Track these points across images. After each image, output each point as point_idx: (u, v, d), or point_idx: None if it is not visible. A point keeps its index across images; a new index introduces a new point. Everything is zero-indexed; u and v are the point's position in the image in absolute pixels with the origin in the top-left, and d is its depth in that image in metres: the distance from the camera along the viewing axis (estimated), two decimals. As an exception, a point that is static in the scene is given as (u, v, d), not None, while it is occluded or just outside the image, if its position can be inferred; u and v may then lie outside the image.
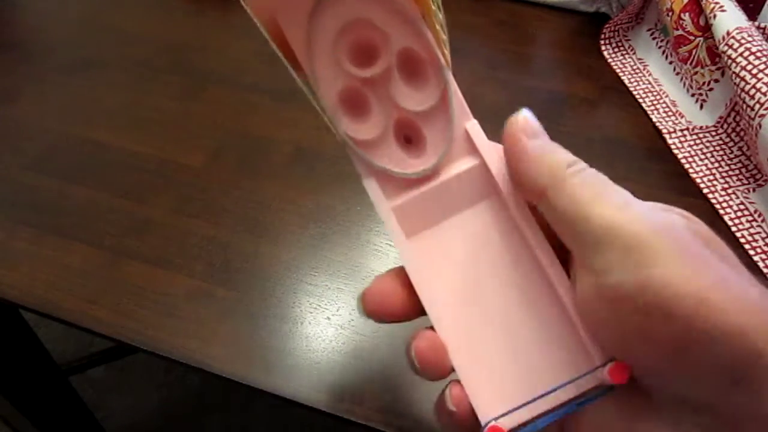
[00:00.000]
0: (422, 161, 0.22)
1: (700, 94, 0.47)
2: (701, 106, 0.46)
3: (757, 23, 0.43)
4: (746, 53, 0.39)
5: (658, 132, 0.46)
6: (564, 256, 0.21)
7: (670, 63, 0.50)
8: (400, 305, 0.22)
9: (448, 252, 0.22)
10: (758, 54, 0.39)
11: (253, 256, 0.38)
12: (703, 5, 0.44)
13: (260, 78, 0.50)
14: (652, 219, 0.18)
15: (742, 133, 0.43)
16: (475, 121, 0.22)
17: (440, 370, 0.21)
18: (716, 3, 0.43)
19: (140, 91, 0.49)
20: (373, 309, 0.22)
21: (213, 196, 0.42)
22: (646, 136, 0.46)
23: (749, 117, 0.39)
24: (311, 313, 0.36)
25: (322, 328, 0.35)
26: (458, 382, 0.22)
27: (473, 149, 0.22)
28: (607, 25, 0.53)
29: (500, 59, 0.52)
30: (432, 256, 0.23)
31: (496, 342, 0.22)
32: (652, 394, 0.19)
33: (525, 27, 0.56)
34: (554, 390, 0.21)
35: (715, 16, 0.42)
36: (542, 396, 0.21)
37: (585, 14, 0.57)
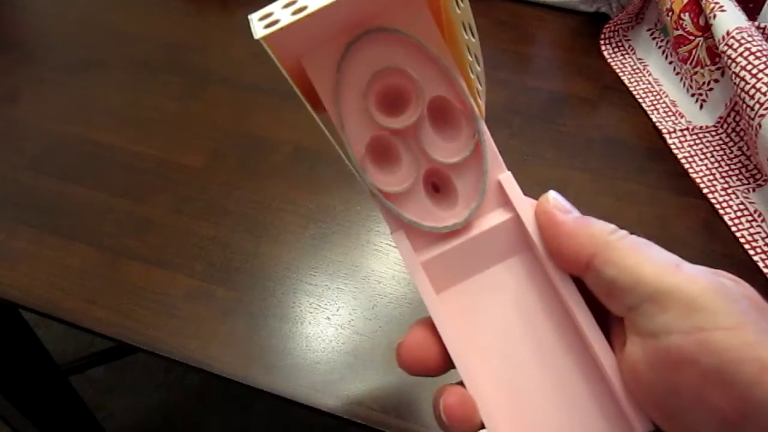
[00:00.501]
0: (453, 214, 0.21)
1: (700, 94, 0.47)
2: (701, 106, 0.46)
3: (757, 23, 0.43)
4: (746, 53, 0.39)
5: (658, 132, 0.46)
6: (604, 325, 0.21)
7: (670, 63, 0.50)
8: (435, 359, 0.22)
9: (479, 308, 0.22)
10: (758, 54, 0.39)
11: (253, 256, 0.38)
12: (703, 5, 0.44)
13: (260, 78, 0.50)
14: (707, 280, 0.18)
15: (742, 133, 0.43)
16: (509, 173, 0.21)
17: (469, 426, 0.21)
18: (716, 3, 0.43)
19: (140, 91, 0.49)
20: (408, 362, 0.22)
21: (213, 196, 0.42)
22: (646, 136, 0.46)
23: (749, 117, 0.39)
24: (311, 313, 0.36)
25: (322, 328, 0.35)
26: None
27: (506, 202, 0.21)
28: (607, 25, 0.53)
29: (500, 59, 0.52)
30: (462, 312, 0.22)
31: (527, 403, 0.21)
32: None
33: (525, 27, 0.56)
34: None
35: (715, 16, 0.42)
36: None
37: (585, 14, 0.57)
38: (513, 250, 0.22)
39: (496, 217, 0.21)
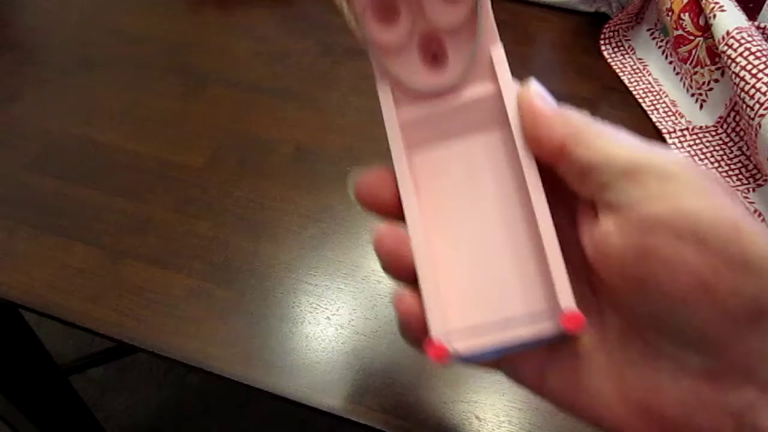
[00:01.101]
0: (439, 78, 0.22)
1: (700, 94, 0.47)
2: (701, 106, 0.46)
3: (757, 23, 0.43)
4: (746, 53, 0.39)
5: (658, 132, 0.46)
6: (568, 212, 0.21)
7: (670, 63, 0.50)
8: (389, 200, 0.22)
9: (441, 171, 0.22)
10: (758, 54, 0.39)
11: (253, 256, 0.38)
12: (703, 5, 0.44)
13: (260, 78, 0.50)
14: (679, 156, 0.18)
15: (741, 133, 0.43)
16: (501, 47, 0.21)
17: (401, 264, 0.21)
18: (716, 3, 0.43)
19: (140, 91, 0.49)
20: (363, 194, 0.22)
21: (213, 196, 0.42)
22: (646, 136, 0.46)
23: (749, 117, 0.39)
24: (311, 313, 0.36)
25: (322, 328, 0.35)
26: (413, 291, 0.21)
27: (493, 77, 0.21)
28: (607, 25, 0.53)
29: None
30: (424, 171, 0.22)
31: (465, 262, 0.21)
32: (650, 340, 0.19)
33: (525, 27, 0.56)
34: (509, 323, 0.20)
35: (714, 16, 0.42)
36: (496, 326, 0.20)
37: (585, 14, 0.57)
38: (489, 125, 0.22)
39: (480, 89, 0.22)
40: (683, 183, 0.17)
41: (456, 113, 0.22)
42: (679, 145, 0.44)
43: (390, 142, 0.22)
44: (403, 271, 0.21)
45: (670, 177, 0.17)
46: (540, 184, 0.20)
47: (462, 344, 0.20)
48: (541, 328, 0.20)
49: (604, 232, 0.19)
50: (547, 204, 0.20)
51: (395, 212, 0.22)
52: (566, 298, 0.19)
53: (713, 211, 0.17)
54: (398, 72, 0.22)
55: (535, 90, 0.21)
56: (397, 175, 0.22)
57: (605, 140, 0.19)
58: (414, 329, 0.21)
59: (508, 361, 0.22)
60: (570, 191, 0.20)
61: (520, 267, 0.21)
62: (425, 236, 0.21)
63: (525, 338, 0.20)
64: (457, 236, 0.22)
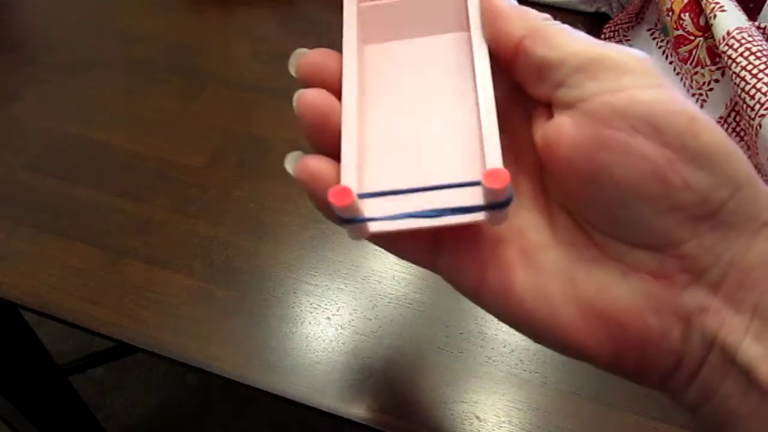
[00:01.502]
0: None
1: (700, 94, 0.47)
2: (701, 106, 0.46)
3: (757, 23, 0.43)
4: (746, 53, 0.39)
5: (658, 132, 0.46)
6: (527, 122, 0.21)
7: (670, 63, 0.50)
8: (332, 78, 0.21)
9: (391, 63, 0.21)
10: (758, 54, 0.39)
11: (253, 256, 0.38)
12: (703, 5, 0.44)
13: (260, 78, 0.50)
14: (634, 50, 0.18)
15: (742, 133, 0.43)
16: None
17: (325, 129, 0.20)
18: (716, 3, 0.43)
19: (140, 91, 0.49)
20: (304, 68, 0.21)
21: (213, 196, 0.42)
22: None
23: (749, 117, 0.39)
24: (311, 313, 0.36)
25: (322, 328, 0.35)
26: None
27: None
28: (607, 25, 0.53)
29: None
30: (374, 65, 0.21)
31: (395, 137, 0.20)
32: (600, 240, 0.19)
33: (525, 27, 0.56)
34: (432, 193, 0.18)
35: (715, 16, 0.42)
36: (418, 193, 0.18)
37: (585, 14, 0.57)
38: (449, 27, 0.21)
39: None
40: (639, 76, 0.17)
41: (416, 11, 0.21)
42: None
43: (344, 29, 0.21)
44: (327, 137, 0.19)
45: (626, 70, 0.17)
46: (489, 77, 0.19)
47: (375, 207, 0.18)
48: (465, 196, 0.18)
49: (558, 125, 0.18)
50: (494, 98, 0.19)
51: (334, 93, 0.20)
52: (493, 160, 0.18)
53: (669, 103, 0.17)
54: None
55: None
56: (344, 54, 0.20)
57: (563, 38, 0.18)
58: (323, 196, 0.18)
59: (447, 260, 0.20)
60: (527, 98, 0.20)
61: (454, 145, 0.19)
62: (358, 107, 0.20)
63: (447, 206, 0.17)
64: (393, 115, 0.20)
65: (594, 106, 0.17)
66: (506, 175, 0.16)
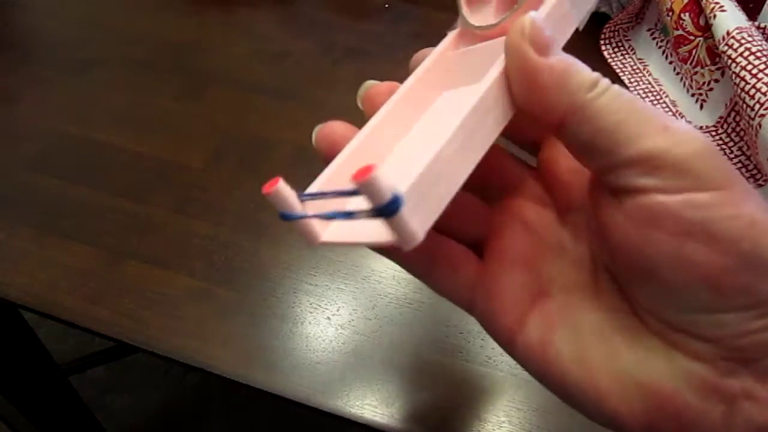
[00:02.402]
0: (481, 17, 0.20)
1: (700, 94, 0.47)
2: (701, 106, 0.46)
3: (757, 23, 0.43)
4: (746, 53, 0.39)
5: (658, 132, 0.46)
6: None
7: (670, 63, 0.50)
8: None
9: (430, 107, 0.21)
10: (758, 54, 0.39)
11: (253, 256, 0.38)
12: (703, 5, 0.44)
13: (260, 78, 0.50)
14: (697, 143, 0.16)
15: (742, 133, 0.43)
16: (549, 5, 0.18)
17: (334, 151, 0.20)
18: (716, 3, 0.43)
19: (140, 91, 0.49)
20: (323, 137, 0.21)
21: (213, 196, 0.42)
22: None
23: (749, 117, 0.39)
24: (311, 313, 0.36)
25: (322, 328, 0.35)
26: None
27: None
28: (607, 25, 0.53)
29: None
30: (417, 105, 0.21)
31: (383, 149, 0.20)
32: (643, 315, 0.18)
33: (525, 27, 0.56)
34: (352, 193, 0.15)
35: (715, 16, 0.42)
36: (345, 193, 0.16)
37: (585, 14, 0.57)
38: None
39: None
40: (698, 176, 0.16)
41: (480, 57, 0.20)
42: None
43: (413, 76, 0.21)
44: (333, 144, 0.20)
45: (685, 169, 0.16)
46: (468, 112, 0.17)
47: (316, 208, 0.18)
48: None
49: (608, 209, 0.17)
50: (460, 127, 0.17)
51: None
52: (386, 167, 0.17)
53: (727, 207, 0.15)
54: (473, 21, 0.20)
55: (532, 31, 0.17)
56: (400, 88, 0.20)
57: (614, 118, 0.16)
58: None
59: (485, 303, 0.20)
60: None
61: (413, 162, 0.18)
62: (375, 127, 0.20)
63: (352, 209, 0.16)
64: (400, 135, 0.20)
65: (646, 202, 0.16)
66: (370, 169, 0.14)
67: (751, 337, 0.16)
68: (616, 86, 0.17)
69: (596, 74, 0.17)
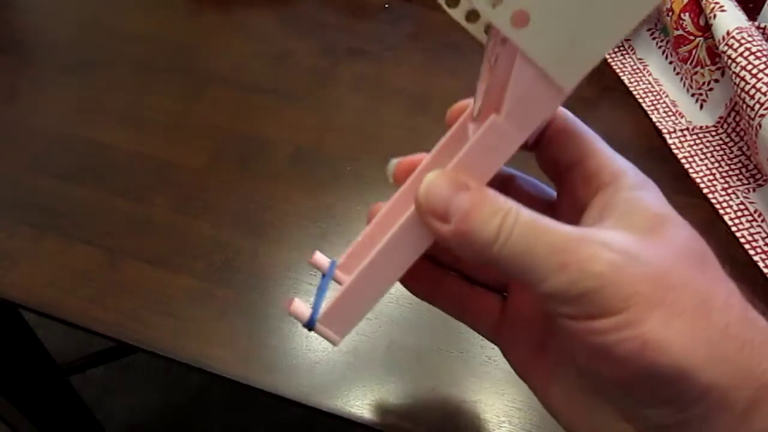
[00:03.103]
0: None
1: (700, 94, 0.47)
2: (701, 106, 0.46)
3: (757, 23, 0.43)
4: (746, 53, 0.39)
5: (658, 132, 0.46)
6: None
7: (670, 63, 0.50)
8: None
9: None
10: (758, 54, 0.39)
11: (253, 256, 0.38)
12: (703, 5, 0.44)
13: (260, 78, 0.50)
14: (593, 275, 0.16)
15: (742, 133, 0.43)
16: (496, 121, 0.19)
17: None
18: (716, 3, 0.43)
19: (140, 91, 0.49)
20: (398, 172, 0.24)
21: (213, 196, 0.42)
22: (646, 136, 0.46)
23: (749, 117, 0.39)
24: (311, 313, 0.36)
25: (322, 328, 0.35)
26: None
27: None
28: (607, 25, 0.53)
29: (500, 59, 0.52)
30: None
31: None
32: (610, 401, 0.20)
33: (525, 27, 0.56)
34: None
35: (715, 16, 0.42)
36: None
37: (585, 14, 0.57)
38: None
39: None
40: (595, 305, 0.17)
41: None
42: (679, 145, 0.44)
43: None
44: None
45: (583, 302, 0.17)
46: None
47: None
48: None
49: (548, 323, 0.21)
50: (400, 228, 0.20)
51: None
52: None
53: (621, 331, 0.16)
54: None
55: (427, 201, 0.19)
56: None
57: (519, 266, 0.17)
58: None
59: (502, 343, 0.24)
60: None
61: None
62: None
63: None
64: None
65: (562, 325, 0.18)
66: (290, 302, 0.23)
67: (674, 428, 0.18)
68: (520, 222, 0.17)
69: (497, 221, 0.18)
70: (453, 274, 0.25)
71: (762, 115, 0.38)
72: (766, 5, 0.45)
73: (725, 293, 0.17)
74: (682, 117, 0.47)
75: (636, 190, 0.19)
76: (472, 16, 0.22)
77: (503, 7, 0.16)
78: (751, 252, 0.38)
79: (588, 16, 0.16)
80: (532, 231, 0.17)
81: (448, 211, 0.18)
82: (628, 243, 0.17)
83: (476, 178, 0.19)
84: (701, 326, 0.16)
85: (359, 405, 0.32)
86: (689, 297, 0.17)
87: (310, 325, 0.23)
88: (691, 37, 0.46)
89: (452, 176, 0.19)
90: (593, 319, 0.17)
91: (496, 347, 0.34)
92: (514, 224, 0.17)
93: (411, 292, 0.25)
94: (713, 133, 0.45)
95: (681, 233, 0.18)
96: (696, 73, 0.46)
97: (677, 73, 0.49)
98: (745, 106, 0.39)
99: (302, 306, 0.23)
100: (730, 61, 0.40)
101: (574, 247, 0.17)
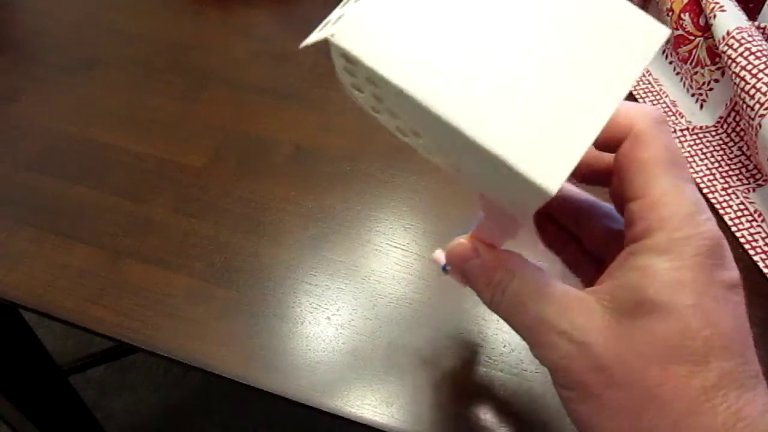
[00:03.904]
0: None
1: (700, 94, 0.47)
2: (701, 106, 0.46)
3: (757, 23, 0.43)
4: (746, 53, 0.39)
5: (658, 132, 0.46)
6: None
7: (670, 63, 0.50)
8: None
9: None
10: (758, 54, 0.39)
11: (253, 256, 0.38)
12: (703, 5, 0.44)
13: (260, 78, 0.50)
14: (569, 356, 0.19)
15: (742, 133, 0.43)
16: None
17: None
18: (716, 3, 0.43)
19: (140, 91, 0.49)
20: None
21: (213, 196, 0.42)
22: (646, 136, 0.46)
23: (749, 117, 0.39)
24: (311, 313, 0.36)
25: (322, 328, 0.35)
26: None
27: None
28: (607, 25, 0.53)
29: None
30: None
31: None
32: None
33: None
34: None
35: (715, 16, 0.42)
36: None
37: (585, 14, 0.57)
38: None
39: None
40: (570, 379, 0.19)
41: None
42: (678, 144, 0.44)
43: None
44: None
45: (561, 375, 0.19)
46: None
47: None
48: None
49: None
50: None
51: None
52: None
53: (586, 402, 0.19)
54: None
55: (440, 259, 0.27)
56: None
57: (515, 326, 0.21)
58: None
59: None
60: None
61: None
62: None
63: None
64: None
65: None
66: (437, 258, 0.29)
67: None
68: (505, 298, 0.21)
69: (490, 292, 0.21)
70: (574, 239, 0.26)
71: (762, 115, 0.38)
72: (766, 5, 0.45)
73: (693, 397, 0.17)
74: (682, 117, 0.47)
75: (654, 257, 0.18)
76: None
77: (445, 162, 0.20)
78: (751, 252, 0.38)
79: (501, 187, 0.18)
80: (513, 308, 0.20)
81: (463, 273, 0.23)
82: (590, 329, 0.18)
83: (490, 243, 0.22)
84: (629, 426, 0.18)
85: (359, 405, 0.32)
86: (627, 397, 0.18)
87: (445, 270, 0.27)
88: (691, 37, 0.46)
89: (465, 245, 0.22)
90: (567, 390, 0.20)
91: (496, 347, 0.34)
92: (501, 299, 0.21)
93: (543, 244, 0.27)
94: (713, 133, 0.45)
95: (666, 326, 0.18)
96: (696, 73, 0.46)
97: (677, 73, 0.49)
98: (745, 106, 0.39)
99: (441, 256, 0.28)
100: (730, 61, 0.40)
101: (540, 331, 0.19)
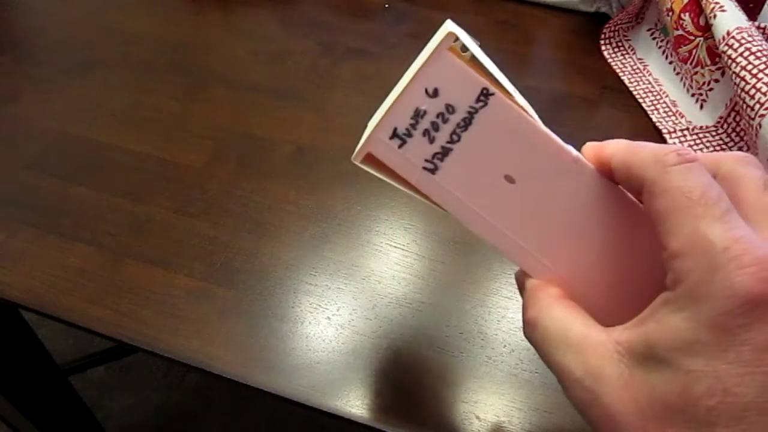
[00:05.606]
0: None
1: (700, 94, 0.47)
2: (701, 106, 0.46)
3: (757, 23, 0.43)
4: (746, 53, 0.39)
5: (658, 132, 0.46)
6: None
7: (670, 63, 0.50)
8: None
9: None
10: (758, 54, 0.39)
11: (253, 256, 0.38)
12: (703, 5, 0.44)
13: (260, 78, 0.50)
14: (585, 400, 0.20)
15: (742, 133, 0.43)
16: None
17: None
18: (716, 3, 0.43)
19: (140, 91, 0.49)
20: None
21: (213, 196, 0.42)
22: (646, 136, 0.46)
23: (749, 117, 0.39)
24: (311, 313, 0.36)
25: (322, 328, 0.35)
26: None
27: None
28: (607, 25, 0.53)
29: (500, 59, 0.52)
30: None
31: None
32: None
33: (525, 27, 0.56)
34: None
35: (715, 16, 0.42)
36: None
37: (585, 14, 0.57)
38: None
39: None
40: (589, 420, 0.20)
41: None
42: (679, 145, 0.44)
43: None
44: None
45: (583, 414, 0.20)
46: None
47: None
48: None
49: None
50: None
51: None
52: None
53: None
54: None
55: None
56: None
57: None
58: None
59: None
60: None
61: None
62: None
63: None
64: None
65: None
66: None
67: None
68: (536, 333, 0.22)
69: (531, 328, 0.22)
70: None
71: (762, 115, 0.38)
72: (766, 5, 0.45)
73: None
74: (682, 117, 0.47)
75: (673, 312, 0.18)
76: None
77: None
78: (751, 252, 0.38)
79: None
80: (541, 345, 0.22)
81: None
82: (603, 379, 0.19)
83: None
84: None
85: (359, 405, 0.32)
86: None
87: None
88: (691, 37, 0.46)
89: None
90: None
91: (496, 347, 0.34)
92: (530, 335, 0.22)
93: None
94: (713, 133, 0.45)
95: (668, 387, 0.17)
96: (696, 73, 0.46)
97: (677, 73, 0.49)
98: (745, 106, 0.39)
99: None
100: (730, 61, 0.40)
101: (560, 376, 0.21)
